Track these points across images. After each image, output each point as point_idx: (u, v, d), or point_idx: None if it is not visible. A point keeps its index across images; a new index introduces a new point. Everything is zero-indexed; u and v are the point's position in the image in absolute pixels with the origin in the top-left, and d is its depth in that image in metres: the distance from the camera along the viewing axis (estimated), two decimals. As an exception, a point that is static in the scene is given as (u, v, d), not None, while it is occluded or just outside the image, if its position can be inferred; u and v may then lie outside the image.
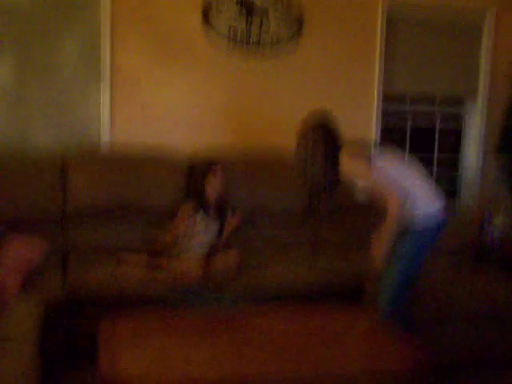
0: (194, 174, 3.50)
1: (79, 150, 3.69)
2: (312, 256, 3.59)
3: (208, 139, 4.06)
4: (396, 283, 2.83)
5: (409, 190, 2.81)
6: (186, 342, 2.38)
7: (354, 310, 2.84)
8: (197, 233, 3.40)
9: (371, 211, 3.91)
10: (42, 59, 3.77)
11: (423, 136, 4.79)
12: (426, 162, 4.65)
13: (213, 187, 3.46)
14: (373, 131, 4.41)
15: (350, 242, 3.91)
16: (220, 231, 3.50)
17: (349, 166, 2.85)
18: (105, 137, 3.89)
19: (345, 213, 4.02)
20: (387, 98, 4.49)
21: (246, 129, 4.19)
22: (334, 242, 3.93)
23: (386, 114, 4.50)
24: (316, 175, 2.92)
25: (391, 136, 4.63)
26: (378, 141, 4.37)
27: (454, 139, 4.92)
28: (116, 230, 3.59)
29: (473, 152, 4.79)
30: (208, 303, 3.08)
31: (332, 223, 4.00)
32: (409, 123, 4.69)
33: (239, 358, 2.24)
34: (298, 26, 4.16)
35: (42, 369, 2.28)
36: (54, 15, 3.75)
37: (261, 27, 4.09)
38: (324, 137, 2.93)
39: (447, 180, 4.85)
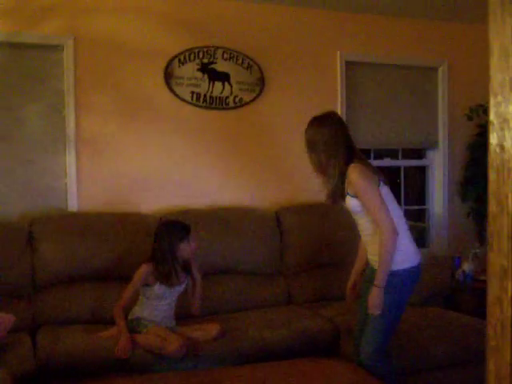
0: (164, 240, 3.21)
1: (46, 219, 3.65)
2: (286, 316, 3.56)
3: (177, 200, 4.07)
4: (381, 334, 2.72)
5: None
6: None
7: (333, 364, 2.82)
8: (156, 297, 3.20)
9: (339, 267, 4.03)
10: (6, 129, 3.78)
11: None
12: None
13: (184, 254, 3.24)
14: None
15: (322, 297, 3.94)
16: (191, 292, 3.39)
17: (358, 179, 2.64)
18: (72, 203, 3.87)
19: (314, 269, 4.06)
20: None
21: (215, 186, 4.24)
22: (307, 298, 3.93)
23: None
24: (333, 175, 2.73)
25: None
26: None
27: (419, 191, 5.04)
28: (86, 298, 3.52)
29: (438, 201, 4.90)
30: (184, 368, 3.01)
31: (303, 280, 4.01)
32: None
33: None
34: (259, 88, 4.28)
35: None
36: (18, 86, 3.79)
37: (223, 91, 4.19)
38: (345, 132, 2.80)
39: (415, 230, 4.92)
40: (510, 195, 0.99)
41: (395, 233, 2.60)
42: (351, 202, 2.72)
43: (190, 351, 3.03)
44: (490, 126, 1.00)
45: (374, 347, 2.73)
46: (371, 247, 2.80)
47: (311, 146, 2.81)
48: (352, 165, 2.68)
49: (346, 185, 2.72)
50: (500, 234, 0.97)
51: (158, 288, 3.20)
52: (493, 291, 1.00)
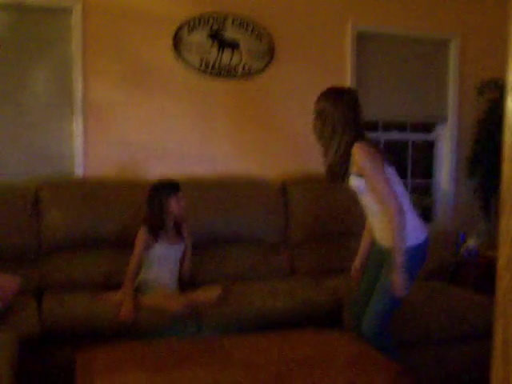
0: (154, 198, 3.35)
1: (53, 184, 3.66)
2: (289, 286, 3.58)
3: (184, 169, 4.07)
4: (385, 311, 2.73)
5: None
6: (163, 374, 2.35)
7: (335, 335, 2.83)
8: (158, 259, 3.33)
9: (344, 238, 4.04)
10: (12, 93, 3.77)
11: (396, 163, 4.86)
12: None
13: (174, 210, 3.34)
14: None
15: (326, 269, 3.95)
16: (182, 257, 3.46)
17: (363, 158, 2.61)
18: (78, 170, 3.88)
19: (318, 240, 4.06)
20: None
21: (223, 155, 4.22)
22: (310, 269, 3.94)
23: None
24: (338, 150, 2.71)
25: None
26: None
27: (426, 164, 5.02)
28: (92, 264, 3.55)
29: (445, 177, 4.88)
30: (188, 333, 3.05)
31: (307, 251, 4.02)
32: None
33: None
34: (269, 56, 4.24)
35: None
36: (26, 50, 3.77)
37: (232, 59, 4.15)
38: (358, 112, 2.77)
39: (421, 205, 4.91)
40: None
41: (402, 210, 2.58)
42: (355, 182, 2.70)
43: (193, 311, 3.09)
44: (508, 89, 0.98)
45: (377, 323, 2.73)
46: (377, 226, 2.79)
47: (320, 116, 2.78)
48: (357, 144, 2.65)
49: (350, 164, 2.69)
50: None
51: (158, 248, 3.32)
52: (505, 255, 0.99)
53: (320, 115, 2.78)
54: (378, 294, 2.74)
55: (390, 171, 2.71)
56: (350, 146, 2.67)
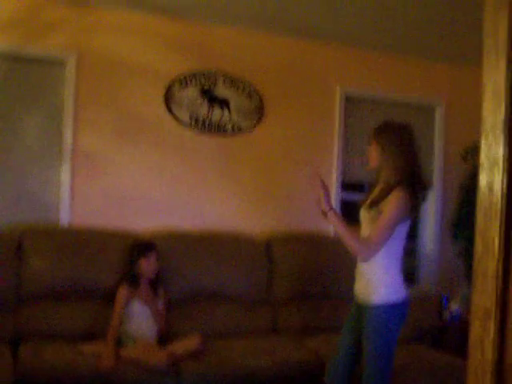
0: (130, 258, 3.53)
1: (36, 231, 3.64)
2: (271, 344, 3.54)
3: (170, 222, 4.07)
4: (380, 376, 2.66)
5: (391, 255, 2.68)
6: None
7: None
8: (135, 314, 3.40)
9: (327, 298, 4.02)
10: (2, 140, 3.79)
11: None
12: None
13: (144, 271, 3.48)
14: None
15: (308, 328, 3.92)
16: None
17: (395, 204, 2.58)
18: (64, 218, 3.87)
19: (301, 298, 4.04)
20: (345, 186, 4.61)
21: (209, 210, 4.23)
22: (293, 328, 3.91)
23: (344, 203, 4.60)
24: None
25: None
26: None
27: (411, 227, 5.03)
28: (72, 315, 3.50)
29: (429, 239, 4.91)
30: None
31: (289, 310, 3.99)
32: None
33: None
34: (258, 115, 4.31)
35: None
36: (18, 98, 3.81)
37: (222, 117, 4.22)
38: (412, 145, 2.73)
39: (405, 267, 4.90)
40: (496, 237, 0.99)
41: (368, 256, 2.58)
42: (370, 216, 2.68)
43: (173, 365, 3.10)
44: (480, 167, 1.01)
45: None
46: (362, 281, 2.76)
47: (390, 144, 2.71)
48: (400, 188, 2.60)
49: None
50: (485, 275, 0.97)
51: (135, 305, 3.41)
52: (475, 332, 0.99)
53: (390, 143, 2.71)
54: (367, 363, 2.67)
55: (405, 228, 2.70)
56: (395, 184, 2.63)
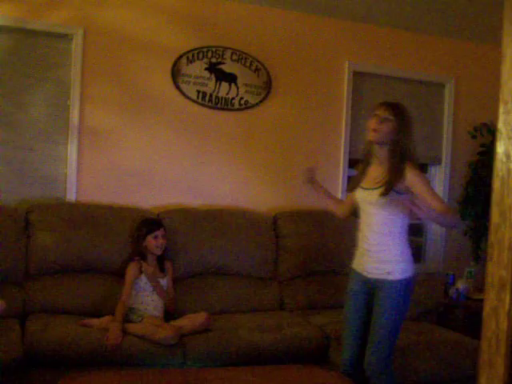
0: (136, 234, 3.56)
1: (43, 206, 3.64)
2: (277, 321, 3.55)
3: (176, 198, 4.07)
4: (388, 341, 2.72)
5: (404, 230, 2.76)
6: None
7: (321, 373, 2.79)
8: (143, 289, 3.42)
9: (334, 275, 4.03)
10: (9, 115, 3.77)
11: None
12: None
13: (152, 247, 3.49)
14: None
15: (314, 305, 3.92)
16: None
17: (418, 173, 2.67)
18: (71, 194, 3.86)
19: (308, 276, 4.05)
20: (353, 163, 4.58)
21: (216, 187, 4.22)
22: (299, 305, 3.92)
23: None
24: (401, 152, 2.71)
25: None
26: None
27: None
28: (79, 290, 3.51)
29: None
30: (173, 363, 3.03)
31: (296, 287, 3.99)
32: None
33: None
34: (265, 91, 4.27)
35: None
36: (25, 72, 3.78)
37: (229, 92, 4.19)
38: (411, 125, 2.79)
39: (412, 245, 4.90)
40: (509, 211, 0.98)
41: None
42: (391, 197, 2.67)
43: (179, 340, 3.10)
44: (498, 134, 0.99)
45: (383, 355, 2.71)
46: (372, 257, 2.77)
47: (406, 125, 2.75)
48: (412, 165, 2.68)
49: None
50: (501, 245, 0.96)
51: (143, 281, 3.42)
52: (490, 303, 0.98)
53: (400, 122, 2.74)
54: (377, 332, 2.72)
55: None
56: (402, 161, 2.69)
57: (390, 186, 2.67)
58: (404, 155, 2.70)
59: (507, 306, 0.97)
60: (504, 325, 0.95)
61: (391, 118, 2.73)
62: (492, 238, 0.99)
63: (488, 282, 0.99)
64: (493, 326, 0.98)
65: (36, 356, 2.91)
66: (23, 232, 3.52)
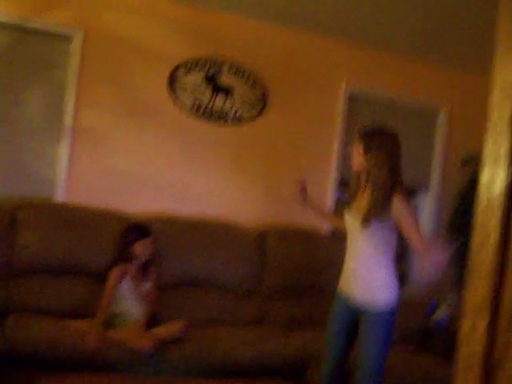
0: (123, 240, 3.53)
1: (31, 205, 3.63)
2: (258, 335, 3.54)
3: (166, 205, 4.07)
4: (377, 373, 2.67)
5: (390, 255, 2.71)
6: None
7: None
8: (127, 297, 3.41)
9: (317, 293, 4.03)
10: (3, 112, 3.76)
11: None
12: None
13: (139, 254, 3.48)
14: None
15: (296, 321, 3.92)
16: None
17: (405, 205, 2.59)
18: (59, 195, 3.85)
19: (291, 292, 4.04)
20: (343, 183, 4.60)
21: (206, 197, 4.23)
22: (280, 320, 3.91)
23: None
24: (379, 184, 2.64)
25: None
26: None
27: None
28: (63, 291, 3.50)
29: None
30: (150, 370, 3.02)
31: (279, 302, 3.99)
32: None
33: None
34: (261, 105, 4.30)
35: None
36: (22, 70, 3.79)
37: (224, 104, 4.21)
38: (397, 152, 2.72)
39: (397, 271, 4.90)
40: (494, 233, 0.99)
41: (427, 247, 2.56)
42: (374, 226, 2.64)
43: (158, 349, 3.10)
44: (484, 161, 1.00)
45: (375, 378, 2.67)
46: (358, 282, 2.73)
47: (379, 152, 2.70)
48: (398, 194, 2.62)
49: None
50: (480, 268, 0.97)
51: (125, 285, 3.42)
52: (465, 325, 0.99)
53: (370, 152, 2.70)
54: (365, 364, 2.68)
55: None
56: (391, 191, 2.63)
57: (370, 218, 2.63)
58: (383, 184, 2.62)
59: (481, 331, 0.98)
60: (477, 348, 0.96)
61: (360, 145, 2.72)
62: (474, 257, 1.00)
63: (466, 304, 1.00)
64: (466, 350, 0.99)
65: (14, 354, 2.89)
66: (9, 230, 3.49)
